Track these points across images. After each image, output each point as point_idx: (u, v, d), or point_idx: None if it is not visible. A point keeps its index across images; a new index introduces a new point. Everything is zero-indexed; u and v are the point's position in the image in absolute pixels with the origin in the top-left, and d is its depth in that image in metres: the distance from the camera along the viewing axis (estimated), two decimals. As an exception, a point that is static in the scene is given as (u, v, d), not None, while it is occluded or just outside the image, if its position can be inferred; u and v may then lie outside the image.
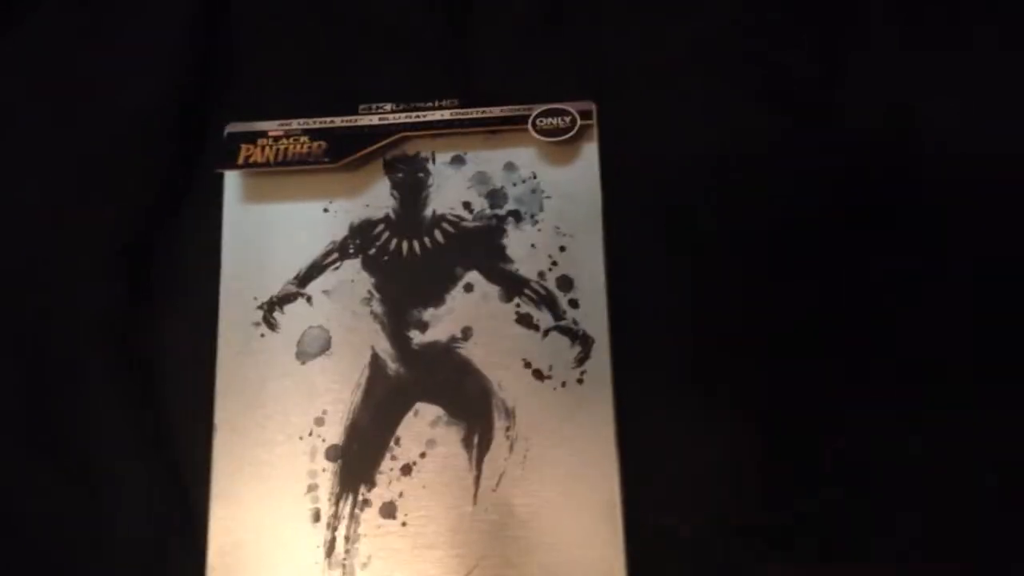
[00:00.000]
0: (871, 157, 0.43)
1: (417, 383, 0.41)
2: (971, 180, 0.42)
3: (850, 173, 0.43)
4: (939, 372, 0.40)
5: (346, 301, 0.43)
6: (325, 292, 0.43)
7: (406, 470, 0.40)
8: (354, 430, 0.41)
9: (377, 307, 0.42)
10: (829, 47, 0.45)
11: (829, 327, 0.41)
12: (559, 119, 0.44)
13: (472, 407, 0.41)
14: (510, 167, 0.44)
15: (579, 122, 0.44)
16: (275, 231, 0.44)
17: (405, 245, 0.43)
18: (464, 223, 0.43)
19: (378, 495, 0.40)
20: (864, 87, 0.44)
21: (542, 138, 0.43)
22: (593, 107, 0.44)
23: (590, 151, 0.44)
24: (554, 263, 0.42)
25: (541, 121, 0.44)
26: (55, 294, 0.43)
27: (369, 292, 0.43)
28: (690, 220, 0.43)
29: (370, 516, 0.40)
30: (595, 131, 0.44)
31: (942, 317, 0.41)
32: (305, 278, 0.43)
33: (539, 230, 0.43)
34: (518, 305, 0.42)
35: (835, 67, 0.45)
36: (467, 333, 0.42)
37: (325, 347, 0.42)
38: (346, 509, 0.40)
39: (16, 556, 0.40)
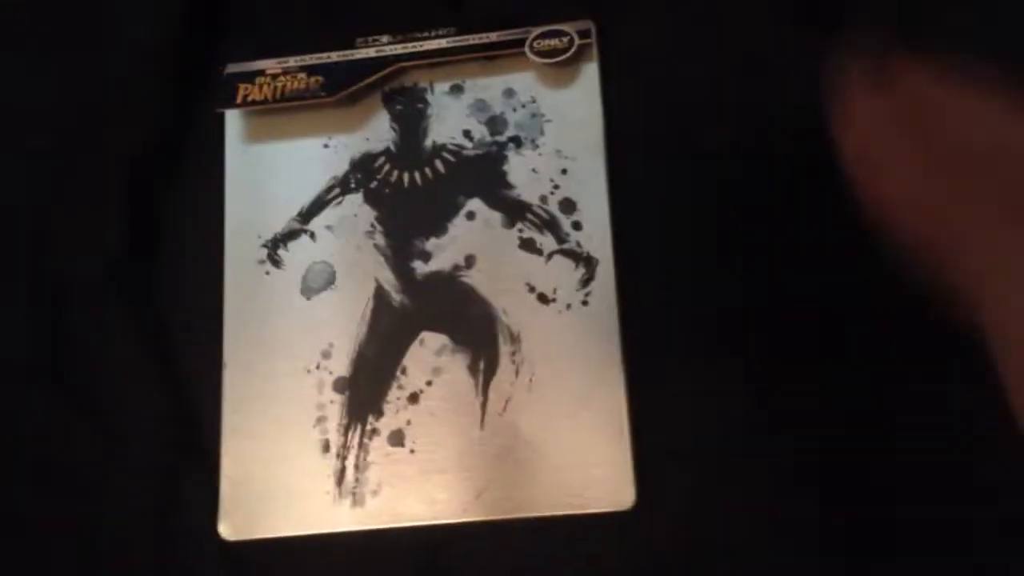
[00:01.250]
0: None
1: (422, 312, 0.41)
2: None
3: None
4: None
5: (349, 235, 0.42)
6: (328, 227, 0.43)
7: (413, 398, 0.40)
8: (361, 361, 0.41)
9: (380, 239, 0.42)
10: None
11: (837, 249, 0.40)
12: (557, 40, 0.43)
13: (477, 334, 0.40)
14: (509, 93, 0.43)
15: (577, 42, 0.43)
16: (277, 169, 0.44)
17: (406, 177, 0.43)
18: (464, 151, 0.43)
19: (386, 424, 0.40)
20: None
21: (540, 60, 0.43)
22: (592, 26, 0.43)
23: (590, 71, 0.43)
24: (556, 187, 0.42)
25: (538, 43, 0.43)
26: (63, 237, 0.44)
27: (372, 225, 0.42)
28: (694, 139, 0.42)
29: (379, 445, 0.40)
30: (594, 50, 0.43)
31: None
32: (308, 214, 0.43)
33: (540, 154, 0.42)
34: (521, 230, 0.41)
35: None
36: (470, 261, 0.41)
37: (330, 282, 0.42)
38: (355, 439, 0.40)
39: (32, 491, 0.41)
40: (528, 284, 0.41)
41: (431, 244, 0.42)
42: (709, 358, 0.39)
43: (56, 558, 0.40)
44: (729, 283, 0.40)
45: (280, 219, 0.43)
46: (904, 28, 0.40)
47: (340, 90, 0.43)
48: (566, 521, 0.38)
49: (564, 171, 0.42)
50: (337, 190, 0.43)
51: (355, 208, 0.43)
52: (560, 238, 0.41)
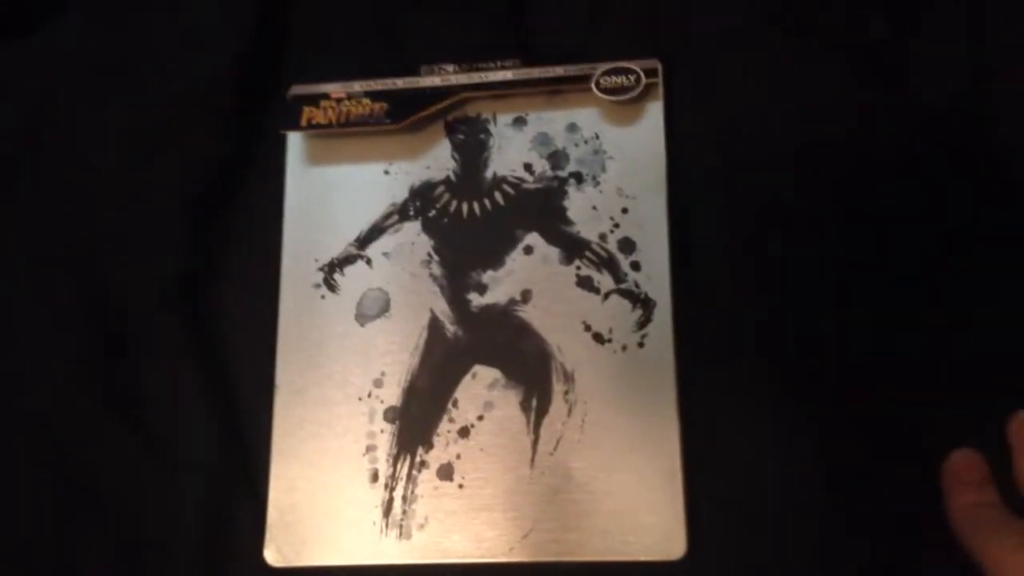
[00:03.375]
0: (954, 123, 0.41)
1: (475, 345, 0.41)
2: None
3: (932, 143, 0.41)
4: None
5: (405, 263, 0.42)
6: (385, 254, 0.43)
7: (463, 432, 0.40)
8: (412, 392, 0.41)
9: (436, 269, 0.42)
10: (909, 7, 0.43)
11: (907, 301, 0.39)
12: (623, 77, 0.43)
13: (530, 370, 0.40)
14: (572, 128, 0.43)
15: (644, 80, 0.42)
16: (336, 193, 0.44)
17: (465, 207, 0.43)
18: (525, 185, 0.43)
19: (435, 457, 0.40)
20: (944, 50, 0.42)
21: (606, 97, 0.42)
22: (658, 65, 0.43)
23: (655, 110, 0.43)
24: (616, 225, 0.42)
25: (605, 80, 0.43)
26: (123, 256, 0.44)
27: (428, 254, 0.42)
28: (758, 182, 0.42)
29: (427, 477, 0.39)
30: (660, 90, 0.43)
31: None
32: (365, 240, 0.43)
33: (601, 192, 0.42)
34: (579, 267, 0.41)
35: (914, 29, 0.43)
36: (526, 296, 0.41)
37: (384, 309, 0.42)
38: (404, 470, 0.40)
39: (82, 508, 0.41)
40: (584, 323, 0.40)
41: (487, 277, 0.42)
42: (766, 406, 0.39)
43: (99, 572, 0.40)
44: (788, 331, 0.40)
45: (338, 244, 0.43)
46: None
47: (404, 117, 0.43)
48: (614, 568, 0.37)
49: (625, 210, 0.42)
50: (395, 217, 0.43)
51: (412, 236, 0.43)
52: (618, 278, 0.41)
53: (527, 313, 0.41)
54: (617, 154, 0.42)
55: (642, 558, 0.37)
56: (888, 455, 0.38)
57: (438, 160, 0.44)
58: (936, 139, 0.41)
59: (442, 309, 0.42)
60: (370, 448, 0.40)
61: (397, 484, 0.40)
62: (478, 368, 0.41)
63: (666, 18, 0.44)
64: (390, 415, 0.40)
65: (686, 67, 0.43)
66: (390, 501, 0.39)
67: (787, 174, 0.42)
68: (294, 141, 0.45)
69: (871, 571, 0.37)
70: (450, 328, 0.41)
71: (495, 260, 0.42)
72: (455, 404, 0.40)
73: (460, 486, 0.39)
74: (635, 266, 0.41)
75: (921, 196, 0.41)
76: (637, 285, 0.41)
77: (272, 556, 0.39)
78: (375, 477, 0.40)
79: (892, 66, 0.42)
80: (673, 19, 0.44)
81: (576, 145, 0.43)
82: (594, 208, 0.42)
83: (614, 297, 0.41)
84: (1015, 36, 0.42)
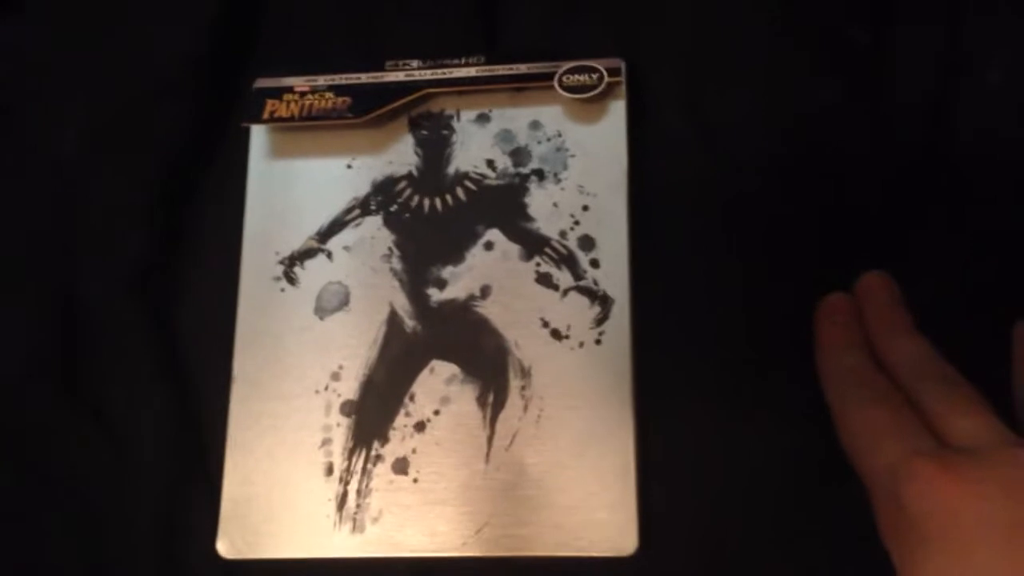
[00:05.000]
0: (920, 132, 0.42)
1: (433, 340, 0.41)
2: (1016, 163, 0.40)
3: (898, 149, 0.41)
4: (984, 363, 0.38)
5: (366, 257, 0.42)
6: (345, 248, 0.43)
7: (420, 427, 0.40)
8: (369, 386, 0.41)
9: (397, 264, 0.42)
10: (882, 14, 0.43)
11: None
12: (586, 76, 0.43)
13: (488, 366, 0.40)
14: (535, 125, 0.43)
15: (607, 79, 0.43)
16: (299, 187, 0.44)
17: (427, 202, 0.43)
18: (487, 181, 0.43)
19: (391, 451, 0.40)
20: (917, 58, 0.42)
21: (568, 95, 0.43)
22: (622, 64, 0.43)
23: (618, 109, 0.43)
24: (576, 222, 0.42)
25: (568, 78, 0.43)
26: (82, 243, 0.44)
27: (389, 249, 0.42)
28: (717, 185, 0.42)
29: (382, 471, 0.39)
30: (623, 89, 0.43)
31: (984, 303, 0.39)
32: (326, 234, 0.43)
33: (562, 189, 0.42)
34: (538, 264, 0.41)
35: (887, 36, 0.43)
36: (486, 291, 0.41)
37: (344, 303, 0.42)
38: (359, 464, 0.40)
39: (36, 497, 0.41)
40: (542, 319, 0.40)
41: (447, 272, 0.42)
42: (721, 406, 0.39)
43: (54, 561, 0.40)
44: (746, 332, 0.40)
45: (298, 237, 0.43)
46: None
47: (367, 112, 0.43)
48: (566, 563, 0.37)
49: (585, 207, 0.42)
50: (357, 211, 0.43)
51: (374, 231, 0.43)
52: (577, 275, 0.41)
53: (486, 309, 0.41)
54: (579, 152, 0.43)
55: (594, 554, 0.37)
56: (846, 458, 0.38)
57: (401, 155, 0.44)
58: (909, 142, 0.41)
59: (401, 304, 0.42)
60: (326, 441, 0.40)
61: (351, 478, 0.39)
62: (436, 363, 0.41)
63: (637, 18, 0.44)
64: (347, 408, 0.40)
65: (650, 67, 0.44)
66: (344, 495, 0.39)
67: (750, 174, 0.42)
68: (257, 134, 0.45)
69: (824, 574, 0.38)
70: (409, 323, 0.41)
71: (455, 256, 0.42)
72: (412, 398, 0.40)
73: (415, 480, 0.39)
74: (594, 263, 0.41)
75: (893, 199, 0.41)
76: (596, 282, 0.41)
77: (225, 548, 0.39)
78: (330, 470, 0.40)
79: (868, 73, 0.43)
80: (644, 20, 0.44)
81: (539, 142, 0.43)
82: (555, 205, 0.42)
83: (573, 294, 0.41)
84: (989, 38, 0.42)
